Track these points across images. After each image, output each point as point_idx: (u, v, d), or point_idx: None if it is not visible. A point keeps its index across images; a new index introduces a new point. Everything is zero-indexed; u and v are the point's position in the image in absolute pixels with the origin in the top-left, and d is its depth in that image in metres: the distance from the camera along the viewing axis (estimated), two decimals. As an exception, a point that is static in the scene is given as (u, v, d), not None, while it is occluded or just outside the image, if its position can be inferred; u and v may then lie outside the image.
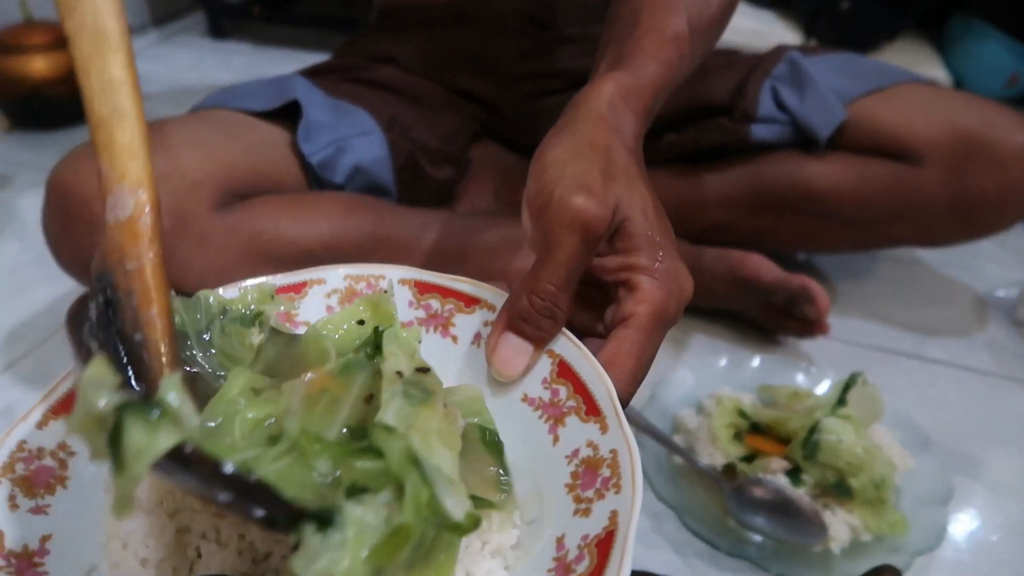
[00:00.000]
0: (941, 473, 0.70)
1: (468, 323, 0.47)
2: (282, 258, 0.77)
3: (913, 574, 0.65)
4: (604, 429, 0.39)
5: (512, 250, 0.90)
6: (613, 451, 0.38)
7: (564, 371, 0.42)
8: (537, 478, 0.41)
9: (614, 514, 0.36)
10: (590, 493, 0.38)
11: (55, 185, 0.71)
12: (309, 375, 0.39)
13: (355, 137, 0.86)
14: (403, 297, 0.49)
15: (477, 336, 0.47)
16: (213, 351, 0.43)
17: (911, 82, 0.93)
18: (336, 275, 0.50)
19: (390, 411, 0.35)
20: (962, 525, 0.70)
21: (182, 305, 0.44)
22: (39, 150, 1.35)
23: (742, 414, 0.74)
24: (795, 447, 0.68)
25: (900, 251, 1.09)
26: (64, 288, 0.99)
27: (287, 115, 0.84)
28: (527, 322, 0.43)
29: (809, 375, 0.80)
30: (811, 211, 0.93)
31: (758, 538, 0.66)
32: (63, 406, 0.41)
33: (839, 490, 0.66)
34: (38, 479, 0.39)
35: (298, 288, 0.49)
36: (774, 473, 0.68)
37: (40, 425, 0.40)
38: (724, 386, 0.78)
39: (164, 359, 0.37)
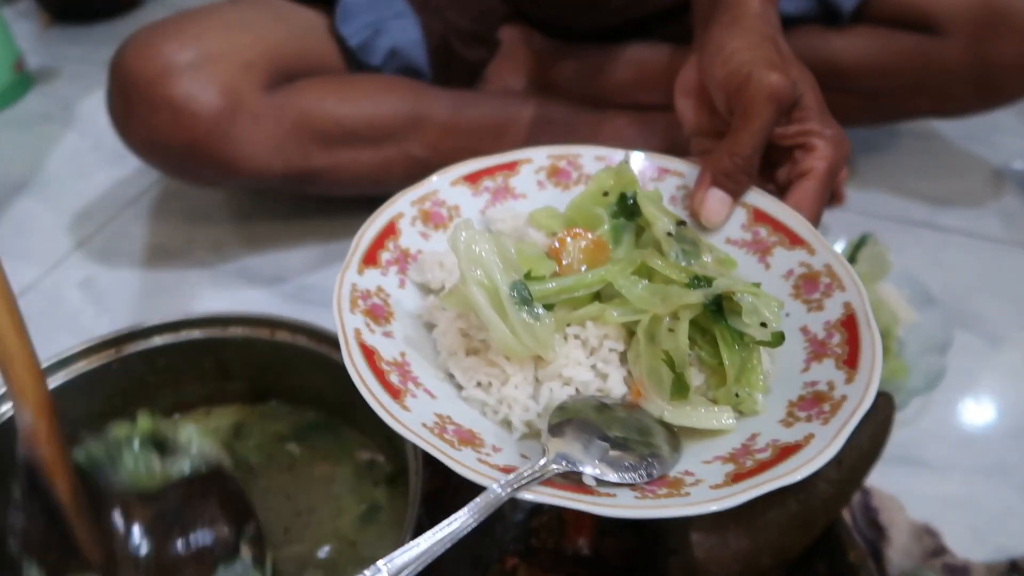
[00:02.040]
0: (942, 326, 0.76)
1: (663, 188, 0.55)
2: (328, 135, 0.82)
3: (910, 413, 0.72)
4: (812, 252, 0.49)
5: (545, 128, 0.95)
6: (827, 264, 0.48)
7: (760, 216, 0.53)
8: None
9: (847, 304, 0.45)
10: (816, 295, 0.47)
11: (119, 69, 0.76)
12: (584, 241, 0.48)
13: (390, 19, 0.89)
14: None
15: (672, 199, 0.55)
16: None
17: (936, -48, 0.93)
18: (540, 154, 0.57)
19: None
20: (959, 372, 0.76)
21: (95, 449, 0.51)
22: (81, 43, 1.39)
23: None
24: (806, 302, 0.74)
25: (919, 125, 1.11)
26: (123, 172, 1.05)
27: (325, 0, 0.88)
28: (729, 178, 0.52)
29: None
30: (834, 85, 0.95)
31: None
32: (370, 256, 0.49)
33: (845, 340, 0.72)
34: (377, 312, 0.47)
35: (511, 167, 0.57)
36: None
37: (359, 272, 0.48)
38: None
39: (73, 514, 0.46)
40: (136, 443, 0.51)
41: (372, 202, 0.94)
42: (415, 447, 0.51)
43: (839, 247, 0.83)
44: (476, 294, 0.42)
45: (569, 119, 0.98)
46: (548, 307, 0.44)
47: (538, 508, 0.61)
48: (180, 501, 0.50)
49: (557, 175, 0.57)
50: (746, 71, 0.52)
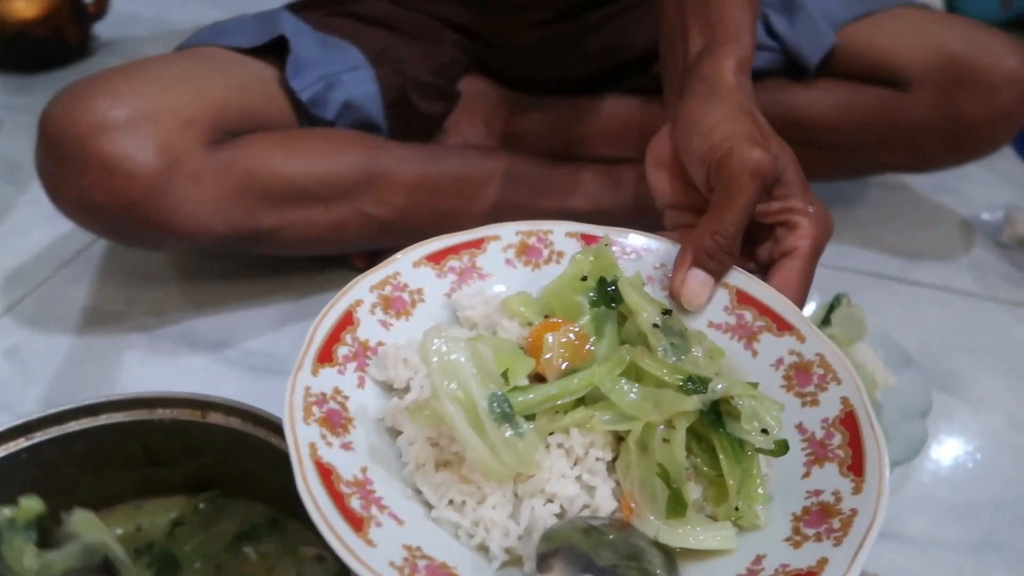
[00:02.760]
0: (921, 389, 0.73)
1: (636, 268, 0.52)
2: (276, 194, 0.78)
3: (892, 483, 0.69)
4: (802, 339, 0.46)
5: (506, 182, 0.92)
6: (819, 354, 0.45)
7: (743, 298, 0.49)
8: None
9: (845, 399, 0.42)
10: (811, 388, 0.44)
11: (48, 125, 0.71)
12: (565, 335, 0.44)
13: (345, 72, 0.86)
14: (571, 249, 0.53)
15: (649, 278, 0.52)
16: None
17: (902, 6, 0.92)
18: (508, 231, 0.53)
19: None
20: (940, 438, 0.73)
21: None
22: (24, 93, 1.34)
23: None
24: (781, 367, 0.70)
25: (890, 178, 1.10)
26: (60, 229, 1.00)
27: (275, 51, 0.84)
28: (711, 258, 0.49)
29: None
30: (801, 139, 0.93)
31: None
32: (325, 353, 0.44)
33: (823, 407, 0.69)
34: (335, 419, 0.41)
35: (477, 244, 0.52)
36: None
37: (314, 373, 0.43)
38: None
39: None
40: (17, 531, 0.45)
41: (323, 261, 0.91)
42: None
43: (812, 307, 0.80)
44: (451, 410, 0.38)
45: (533, 173, 0.95)
46: (530, 417, 0.40)
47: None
48: None
49: (527, 253, 0.53)
50: (727, 146, 0.49)
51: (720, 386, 0.41)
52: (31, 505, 0.46)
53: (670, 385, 0.41)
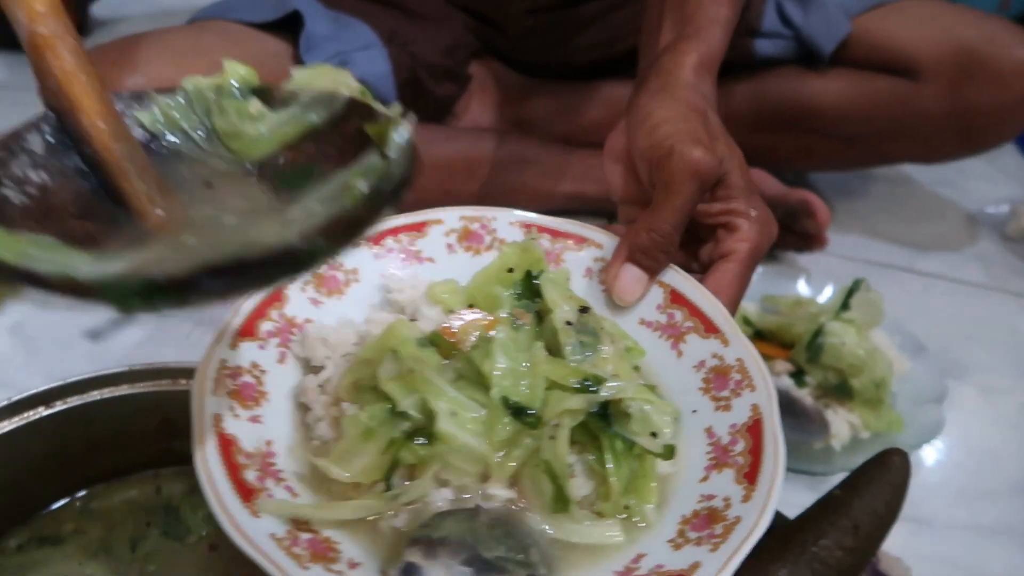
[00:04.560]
0: (935, 375, 0.73)
1: (578, 259, 0.52)
2: None
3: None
4: (726, 343, 0.46)
5: (517, 165, 0.91)
6: (739, 359, 0.45)
7: (676, 298, 0.49)
8: (669, 386, 0.46)
9: (755, 407, 0.42)
10: (726, 392, 0.44)
11: None
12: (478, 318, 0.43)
13: (357, 50, 0.85)
14: (513, 237, 0.52)
15: (588, 271, 0.52)
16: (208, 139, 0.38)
17: (914, -3, 0.93)
18: (452, 216, 0.53)
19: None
20: (955, 422, 0.73)
21: (162, 103, 0.39)
22: (21, 71, 1.31)
23: (747, 321, 0.76)
24: (799, 350, 0.71)
25: (894, 171, 1.11)
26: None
27: (286, 27, 0.83)
28: (646, 255, 0.48)
29: (810, 285, 0.82)
30: (811, 128, 0.94)
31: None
32: (248, 328, 0.44)
33: (840, 391, 0.69)
34: (247, 393, 0.42)
35: (419, 227, 0.52)
36: (778, 375, 0.71)
37: (232, 346, 0.42)
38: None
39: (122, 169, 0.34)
40: (227, 96, 0.36)
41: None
42: None
43: (829, 292, 0.80)
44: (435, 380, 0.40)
45: (544, 157, 0.94)
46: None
47: None
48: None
49: (469, 239, 0.52)
50: (668, 144, 0.49)
51: (612, 388, 0.40)
52: (237, 68, 0.37)
53: (563, 384, 0.41)
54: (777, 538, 0.52)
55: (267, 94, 0.38)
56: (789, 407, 0.69)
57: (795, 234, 0.89)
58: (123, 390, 0.53)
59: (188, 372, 0.54)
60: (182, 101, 0.38)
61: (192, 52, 0.75)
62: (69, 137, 0.34)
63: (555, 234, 0.52)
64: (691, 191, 0.48)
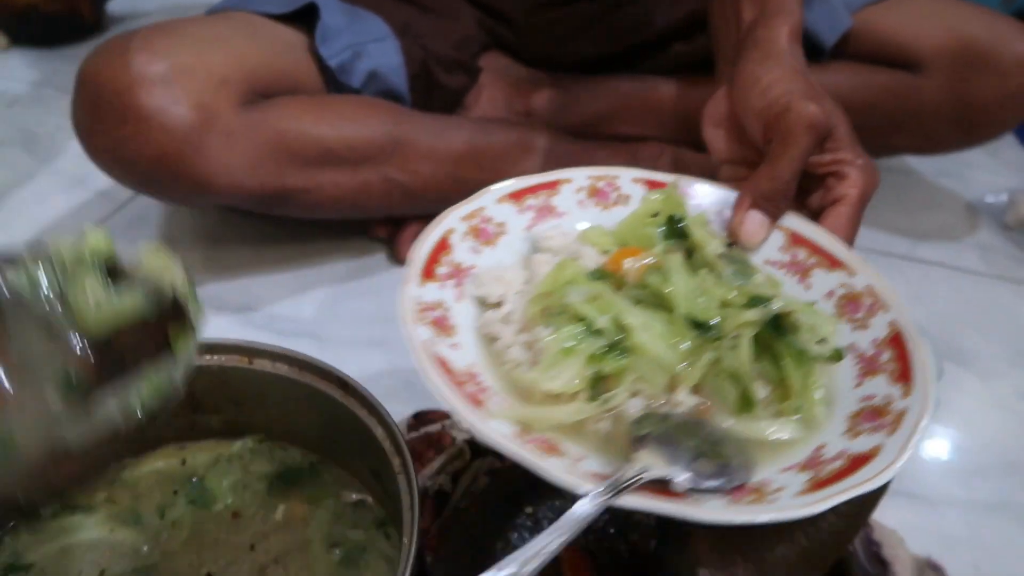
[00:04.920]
0: (932, 356, 0.75)
1: (698, 211, 0.57)
2: (305, 155, 0.79)
3: (905, 446, 0.71)
4: (852, 273, 0.51)
5: (521, 152, 0.93)
6: (868, 286, 0.50)
7: (797, 239, 0.55)
8: None
9: (892, 322, 0.47)
10: (860, 314, 0.49)
11: (87, 76, 0.72)
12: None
13: (371, 43, 0.87)
14: (636, 193, 0.58)
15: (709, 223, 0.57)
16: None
17: (915, -9, 0.94)
18: (580, 175, 0.59)
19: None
20: (950, 404, 0.76)
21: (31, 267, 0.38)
22: (40, 67, 1.34)
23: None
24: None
25: (896, 162, 1.13)
26: (82, 198, 1.01)
27: (302, 19, 0.86)
28: (768, 201, 0.54)
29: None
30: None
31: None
32: (428, 271, 0.50)
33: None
34: (441, 324, 0.47)
35: (552, 185, 0.58)
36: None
37: (420, 284, 0.48)
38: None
39: None
40: (85, 266, 0.37)
41: (344, 229, 0.92)
42: (409, 479, 0.47)
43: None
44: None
45: (552, 148, 0.96)
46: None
47: (533, 548, 0.58)
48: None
49: (596, 195, 0.58)
50: (784, 101, 0.55)
51: (780, 302, 0.46)
52: (101, 240, 0.38)
53: (733, 303, 0.46)
54: (775, 506, 0.55)
55: (116, 271, 0.39)
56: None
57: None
58: (151, 363, 0.56)
59: (213, 347, 0.56)
60: (48, 264, 0.37)
61: (213, 41, 0.77)
62: None
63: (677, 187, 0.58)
64: (808, 142, 0.54)
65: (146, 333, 0.39)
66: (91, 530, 0.54)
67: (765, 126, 0.56)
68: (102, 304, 0.37)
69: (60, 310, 0.36)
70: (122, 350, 0.38)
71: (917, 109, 0.92)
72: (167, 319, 0.40)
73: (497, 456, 0.65)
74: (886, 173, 1.11)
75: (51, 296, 0.36)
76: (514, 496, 0.59)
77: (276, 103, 0.79)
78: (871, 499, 0.54)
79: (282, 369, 0.56)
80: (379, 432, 0.51)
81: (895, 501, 0.66)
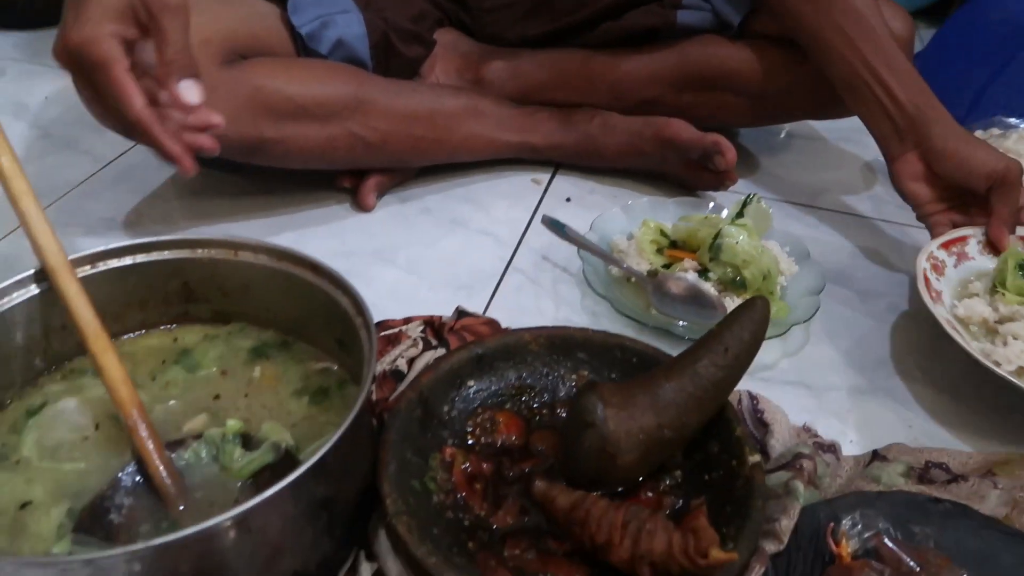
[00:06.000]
0: (817, 274, 0.88)
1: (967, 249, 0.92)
2: (279, 110, 0.91)
3: (793, 345, 0.84)
4: None
5: (470, 115, 1.06)
6: None
7: None
8: None
9: None
10: None
11: (69, 44, 0.80)
12: None
13: (338, 14, 0.99)
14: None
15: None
16: None
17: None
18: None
19: None
20: (833, 312, 0.89)
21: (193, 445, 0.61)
22: (24, 48, 1.44)
23: (663, 233, 0.91)
24: (703, 252, 0.86)
25: (803, 127, 1.27)
26: (70, 158, 1.11)
27: None
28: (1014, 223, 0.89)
29: (717, 210, 0.98)
30: (726, 87, 1.10)
31: (680, 323, 0.84)
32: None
33: (736, 283, 0.84)
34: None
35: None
36: (686, 271, 0.85)
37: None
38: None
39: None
40: (228, 441, 0.60)
41: (312, 180, 1.04)
42: (368, 330, 0.59)
43: (728, 206, 0.96)
44: None
45: (498, 112, 1.09)
46: None
47: (474, 411, 0.69)
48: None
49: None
50: (1002, 166, 0.85)
51: None
52: (234, 424, 0.61)
53: None
54: (670, 363, 0.67)
55: (248, 438, 0.61)
56: (696, 296, 0.84)
57: (710, 172, 1.05)
58: (153, 256, 0.67)
59: (203, 242, 0.68)
60: (204, 443, 0.60)
61: (195, 6, 0.86)
62: (142, 474, 0.58)
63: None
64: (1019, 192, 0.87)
65: (273, 472, 0.59)
66: (94, 389, 0.64)
67: (988, 183, 0.86)
68: (241, 460, 0.59)
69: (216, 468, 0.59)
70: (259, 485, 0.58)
71: (803, 80, 1.04)
72: (283, 462, 0.60)
73: (445, 347, 0.76)
74: (798, 139, 1.25)
75: (209, 461, 0.59)
76: (459, 373, 0.70)
77: (253, 63, 0.90)
78: (745, 355, 0.66)
79: (263, 259, 0.67)
80: (344, 301, 0.62)
81: (784, 389, 0.79)
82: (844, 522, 0.60)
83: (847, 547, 0.59)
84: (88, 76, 0.65)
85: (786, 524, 0.59)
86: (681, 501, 0.63)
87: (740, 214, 0.87)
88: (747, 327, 0.66)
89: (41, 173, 1.08)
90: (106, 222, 0.99)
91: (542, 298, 0.91)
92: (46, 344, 0.65)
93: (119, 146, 1.13)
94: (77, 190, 1.05)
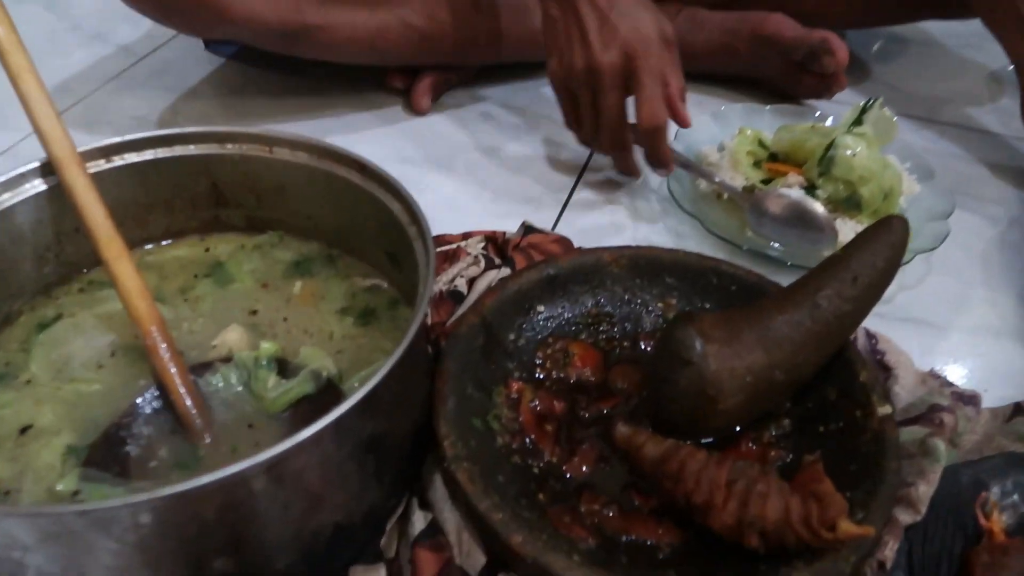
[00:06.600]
0: (944, 196, 0.75)
1: None
2: None
3: (913, 278, 0.72)
4: None
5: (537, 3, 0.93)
6: None
7: None
8: None
9: None
10: None
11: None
12: None
13: None
14: None
15: None
16: None
17: None
18: None
19: None
20: (960, 243, 0.76)
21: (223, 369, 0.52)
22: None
23: (762, 144, 0.78)
24: (811, 165, 0.73)
25: (922, 34, 1.11)
26: (103, 51, 1.02)
27: None
28: None
29: (822, 122, 0.84)
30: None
31: (776, 245, 0.72)
32: None
33: (850, 203, 0.72)
34: None
35: None
36: (790, 187, 0.73)
37: None
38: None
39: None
40: (261, 366, 0.52)
41: (361, 80, 0.93)
42: (425, 243, 0.49)
43: (847, 109, 0.82)
44: None
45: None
46: None
47: (544, 340, 0.60)
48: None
49: None
50: None
51: None
52: (269, 347, 0.53)
53: None
54: (782, 292, 0.56)
55: (284, 363, 0.52)
56: (802, 216, 0.72)
57: (814, 76, 0.91)
58: (176, 151, 0.58)
59: (234, 136, 0.58)
60: (234, 367, 0.52)
61: None
62: (164, 400, 0.50)
63: None
64: None
65: (312, 405, 0.50)
66: (117, 302, 0.56)
67: None
68: (276, 390, 0.50)
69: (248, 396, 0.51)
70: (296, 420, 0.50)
71: None
72: (324, 394, 0.51)
73: (511, 267, 0.66)
74: (913, 45, 1.10)
75: (239, 388, 0.51)
76: (527, 296, 0.61)
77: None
78: (876, 285, 0.55)
79: (301, 157, 0.57)
80: (396, 207, 0.53)
81: (903, 326, 0.68)
82: (993, 490, 0.50)
83: (999, 521, 0.48)
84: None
85: (924, 491, 0.49)
86: (791, 456, 0.53)
87: (858, 121, 0.74)
88: (881, 253, 0.54)
89: (67, 69, 0.99)
90: (138, 121, 0.90)
91: (618, 215, 0.80)
92: (59, 249, 0.56)
93: (154, 39, 1.04)
94: (108, 86, 0.97)
